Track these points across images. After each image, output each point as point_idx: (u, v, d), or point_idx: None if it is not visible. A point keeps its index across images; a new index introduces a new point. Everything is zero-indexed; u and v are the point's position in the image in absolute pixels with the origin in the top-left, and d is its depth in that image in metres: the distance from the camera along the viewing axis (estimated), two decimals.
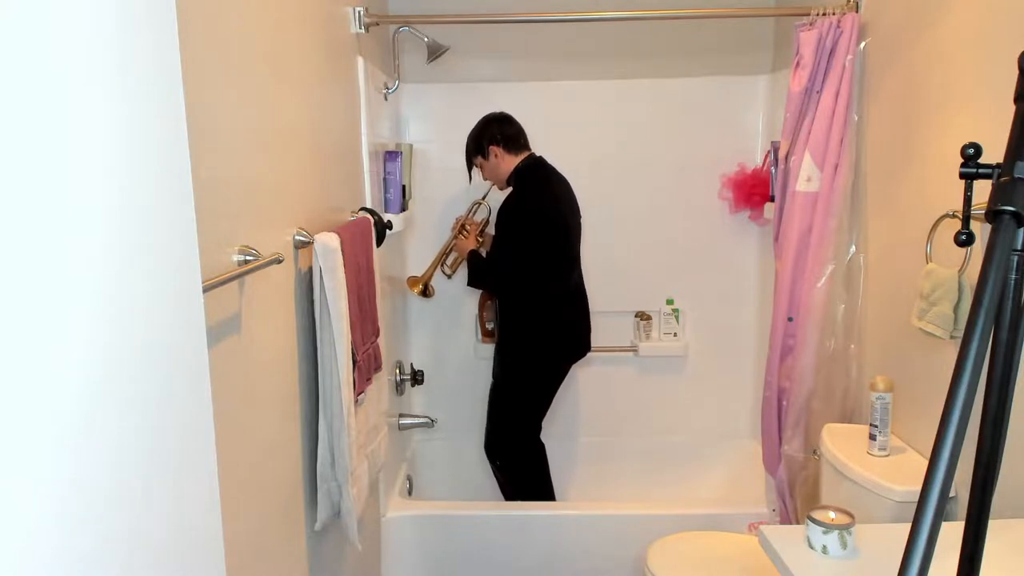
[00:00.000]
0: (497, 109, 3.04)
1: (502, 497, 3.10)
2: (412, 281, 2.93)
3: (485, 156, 2.68)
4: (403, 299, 3.08)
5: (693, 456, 3.18)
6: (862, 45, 2.19)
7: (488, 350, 3.14)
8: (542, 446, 2.82)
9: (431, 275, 2.93)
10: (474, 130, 2.72)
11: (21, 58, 0.49)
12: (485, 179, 2.76)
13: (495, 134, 2.67)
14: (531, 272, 2.59)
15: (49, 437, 0.51)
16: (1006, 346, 0.76)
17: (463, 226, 2.85)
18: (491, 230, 2.79)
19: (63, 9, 0.53)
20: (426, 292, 2.94)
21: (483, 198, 2.97)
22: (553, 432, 3.21)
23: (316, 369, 1.71)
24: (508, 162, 2.67)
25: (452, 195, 3.11)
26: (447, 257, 2.98)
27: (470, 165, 2.76)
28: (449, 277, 3.06)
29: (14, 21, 0.48)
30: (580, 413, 3.20)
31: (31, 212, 0.50)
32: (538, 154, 2.71)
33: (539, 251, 2.58)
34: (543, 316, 2.66)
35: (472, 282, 2.72)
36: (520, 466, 2.80)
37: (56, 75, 0.52)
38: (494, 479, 3.20)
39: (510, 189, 2.69)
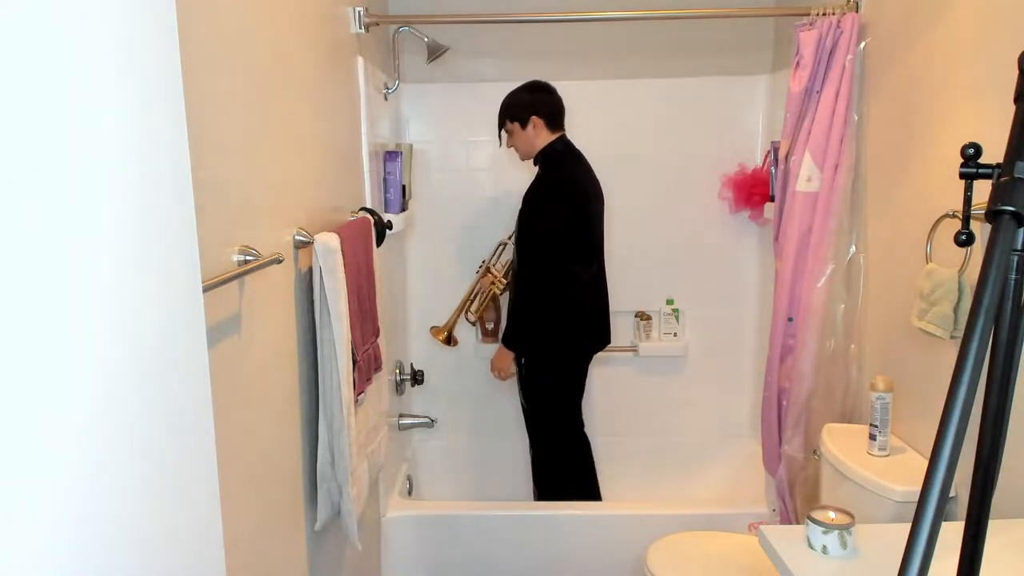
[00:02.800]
0: (497, 109, 3.05)
1: (502, 497, 3.11)
2: (435, 331, 2.94)
3: (524, 125, 2.57)
4: (403, 299, 3.08)
5: (693, 456, 3.18)
6: (862, 45, 2.19)
7: (488, 350, 3.14)
8: (587, 441, 2.77)
9: (454, 323, 2.93)
10: (517, 94, 2.59)
11: (22, 60, 0.49)
12: (510, 146, 2.67)
13: (541, 106, 2.56)
14: (556, 258, 2.54)
15: (48, 437, 0.51)
16: (1006, 346, 0.76)
17: (488, 270, 2.82)
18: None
19: (64, 10, 0.53)
20: (450, 341, 2.94)
21: (509, 238, 2.95)
22: None
23: (316, 369, 1.71)
24: (543, 138, 2.58)
25: (452, 195, 3.10)
26: (471, 304, 2.97)
27: (502, 128, 2.64)
28: (473, 324, 3.06)
29: (16, 22, 0.48)
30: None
31: (31, 212, 0.50)
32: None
33: (565, 238, 2.52)
34: (566, 302, 2.60)
35: (510, 341, 2.65)
36: (566, 460, 2.75)
37: (56, 76, 0.52)
38: (494, 479, 3.20)
39: (531, 165, 2.62)
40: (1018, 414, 1.45)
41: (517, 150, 2.66)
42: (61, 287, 0.52)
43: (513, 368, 2.69)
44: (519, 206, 2.61)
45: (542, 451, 2.75)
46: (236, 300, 1.31)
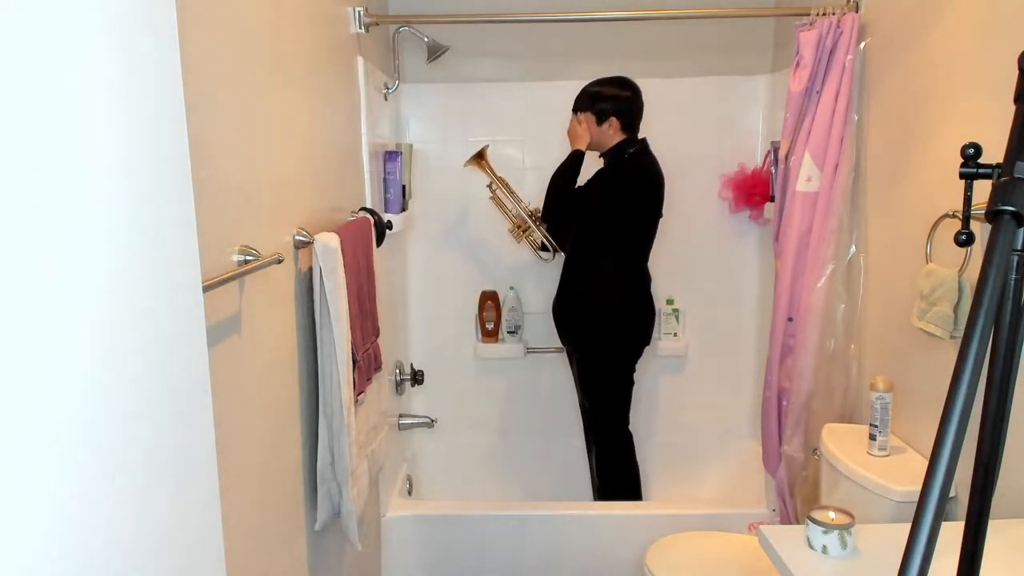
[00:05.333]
0: (497, 109, 3.05)
1: (502, 497, 3.10)
2: (484, 160, 2.79)
3: (599, 122, 2.57)
4: (403, 299, 3.08)
5: (693, 456, 3.18)
6: (862, 45, 2.19)
7: (488, 350, 3.14)
8: (630, 436, 2.80)
9: (495, 178, 2.81)
10: (604, 88, 2.58)
11: (22, 59, 0.49)
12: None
13: (623, 108, 2.56)
14: (619, 240, 2.58)
15: (49, 437, 0.51)
16: (1006, 346, 0.76)
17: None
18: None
19: (64, 10, 0.53)
20: (481, 157, 2.77)
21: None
22: (554, 432, 3.21)
23: (316, 369, 1.71)
24: (615, 139, 2.59)
25: (452, 195, 3.10)
26: (515, 212, 2.86)
27: (577, 112, 2.62)
28: (492, 190, 2.86)
29: (16, 22, 0.48)
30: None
31: (32, 212, 0.50)
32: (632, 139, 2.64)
33: (631, 223, 2.57)
34: (625, 294, 2.64)
35: (557, 181, 2.61)
36: (615, 456, 2.78)
37: (56, 75, 0.52)
38: (494, 479, 3.20)
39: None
40: (1018, 414, 1.45)
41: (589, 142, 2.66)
42: (60, 287, 0.52)
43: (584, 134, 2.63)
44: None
45: (606, 449, 2.76)
46: (236, 300, 1.31)
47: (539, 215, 2.83)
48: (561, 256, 2.84)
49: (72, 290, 0.54)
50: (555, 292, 2.79)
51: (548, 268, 3.09)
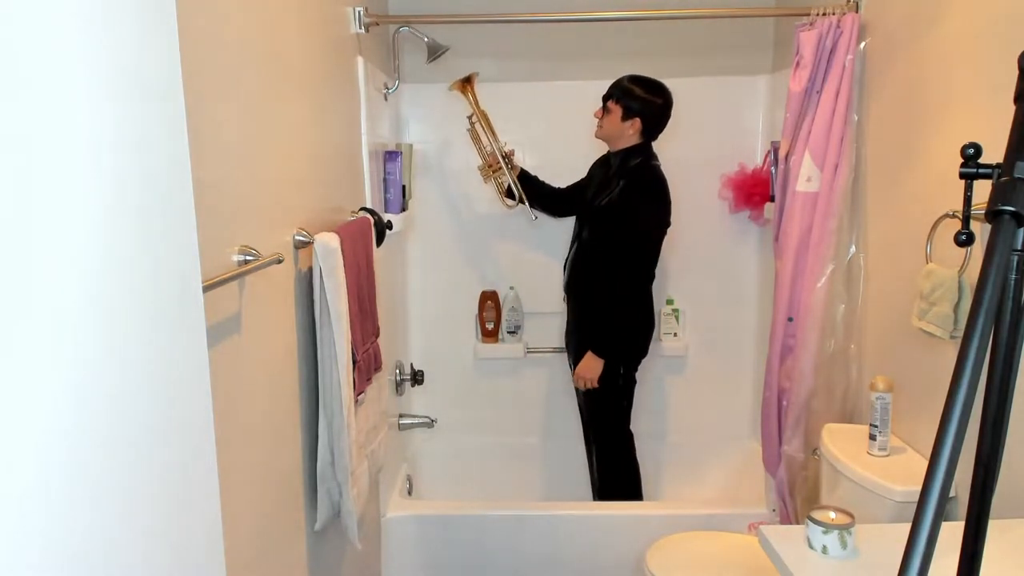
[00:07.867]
0: (497, 109, 3.04)
1: (502, 497, 3.10)
2: (470, 87, 2.71)
3: (624, 118, 2.56)
4: (403, 299, 3.08)
5: (693, 456, 3.18)
6: (862, 45, 2.19)
7: (488, 350, 3.14)
8: (630, 436, 2.81)
9: (476, 109, 2.74)
10: (640, 86, 2.57)
11: (22, 58, 0.49)
12: (598, 116, 2.64)
13: (651, 114, 2.56)
14: (650, 265, 2.60)
15: (49, 437, 0.51)
16: (1006, 346, 0.76)
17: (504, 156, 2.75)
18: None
19: (64, 10, 0.53)
20: (468, 82, 2.70)
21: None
22: (554, 432, 3.21)
23: (316, 369, 1.71)
24: (633, 139, 2.59)
25: (452, 195, 3.10)
26: (490, 149, 2.76)
27: (606, 100, 2.61)
28: (467, 130, 2.79)
29: (15, 23, 0.48)
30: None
31: (31, 212, 0.50)
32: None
33: (657, 243, 2.60)
34: (645, 307, 2.66)
35: (605, 351, 2.63)
36: (615, 456, 2.78)
37: (57, 75, 0.52)
38: (494, 479, 3.20)
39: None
40: (1018, 414, 1.45)
41: (600, 127, 2.65)
42: (60, 287, 0.52)
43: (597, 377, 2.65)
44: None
45: (606, 449, 2.76)
46: (236, 300, 1.31)
47: (513, 157, 2.79)
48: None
49: (72, 290, 0.54)
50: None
51: (548, 268, 3.09)
